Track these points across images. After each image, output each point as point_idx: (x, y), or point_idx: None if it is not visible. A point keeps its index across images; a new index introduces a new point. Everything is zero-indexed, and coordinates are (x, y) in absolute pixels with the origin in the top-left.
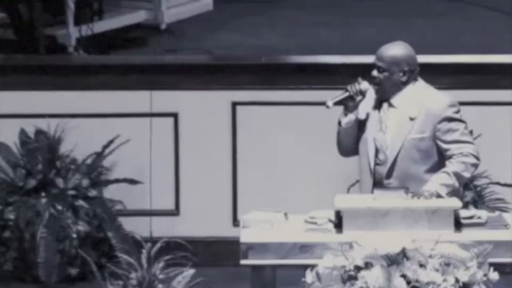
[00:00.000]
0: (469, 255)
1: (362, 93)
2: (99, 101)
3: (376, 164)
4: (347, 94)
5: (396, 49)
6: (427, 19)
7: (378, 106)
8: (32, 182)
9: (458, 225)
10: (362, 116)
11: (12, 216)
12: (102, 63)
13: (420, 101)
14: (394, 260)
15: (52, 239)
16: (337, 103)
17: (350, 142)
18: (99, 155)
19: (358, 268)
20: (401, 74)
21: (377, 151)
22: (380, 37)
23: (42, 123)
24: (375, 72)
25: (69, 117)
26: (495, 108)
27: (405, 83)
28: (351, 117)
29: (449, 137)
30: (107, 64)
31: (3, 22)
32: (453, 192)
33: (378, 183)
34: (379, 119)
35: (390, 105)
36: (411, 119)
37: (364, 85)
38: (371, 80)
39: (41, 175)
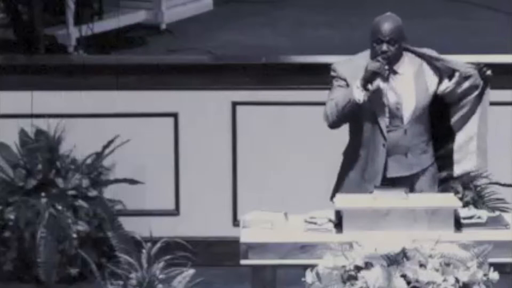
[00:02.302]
0: (469, 255)
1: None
2: (99, 101)
3: (388, 131)
4: (377, 75)
5: (395, 20)
6: (427, 19)
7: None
8: (32, 182)
9: (458, 225)
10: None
11: (12, 216)
12: (102, 63)
13: (414, 59)
14: (394, 260)
15: (52, 239)
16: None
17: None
18: (99, 155)
19: (358, 268)
20: (403, 43)
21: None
22: None
23: (42, 123)
24: (385, 47)
25: (69, 117)
26: (495, 108)
27: (403, 51)
28: (365, 93)
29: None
30: (107, 64)
31: (3, 22)
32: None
33: (392, 149)
34: (388, 87)
35: (395, 72)
36: (419, 77)
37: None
38: (382, 55)
39: (41, 175)
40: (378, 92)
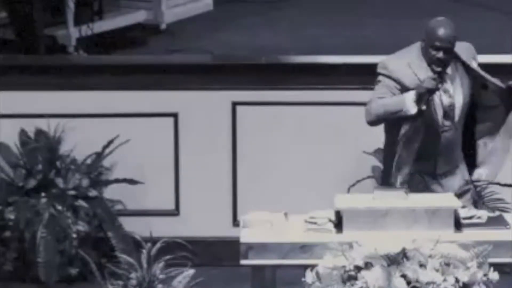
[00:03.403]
0: (469, 255)
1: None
2: (99, 101)
3: (442, 131)
4: (432, 92)
5: (452, 27)
6: (428, 19)
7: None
8: (32, 182)
9: (458, 225)
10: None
11: (12, 216)
12: (102, 63)
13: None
14: (394, 260)
15: (52, 239)
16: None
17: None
18: (99, 155)
19: (358, 268)
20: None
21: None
22: (380, 37)
23: (42, 123)
24: (442, 55)
25: (69, 117)
26: None
27: None
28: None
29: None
30: (107, 64)
31: (3, 22)
32: None
33: (445, 147)
34: (442, 90)
35: (446, 73)
36: (462, 75)
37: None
38: (441, 63)
39: (41, 175)
40: (429, 105)
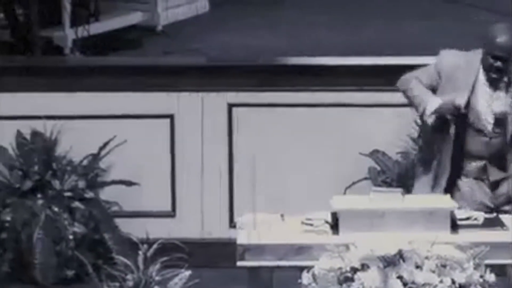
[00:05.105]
0: (466, 256)
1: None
2: (95, 102)
3: (490, 138)
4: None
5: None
6: (427, 21)
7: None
8: (28, 184)
9: (455, 226)
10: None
11: (8, 218)
12: (99, 65)
13: None
14: (391, 262)
15: (48, 241)
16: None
17: None
18: (95, 157)
19: (354, 270)
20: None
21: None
22: (379, 38)
23: (39, 125)
24: (500, 64)
25: (66, 118)
26: None
27: None
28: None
29: None
30: (103, 65)
31: (0, 23)
32: None
33: (495, 154)
34: (495, 97)
35: (502, 81)
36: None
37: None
38: (498, 71)
39: (38, 176)
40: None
